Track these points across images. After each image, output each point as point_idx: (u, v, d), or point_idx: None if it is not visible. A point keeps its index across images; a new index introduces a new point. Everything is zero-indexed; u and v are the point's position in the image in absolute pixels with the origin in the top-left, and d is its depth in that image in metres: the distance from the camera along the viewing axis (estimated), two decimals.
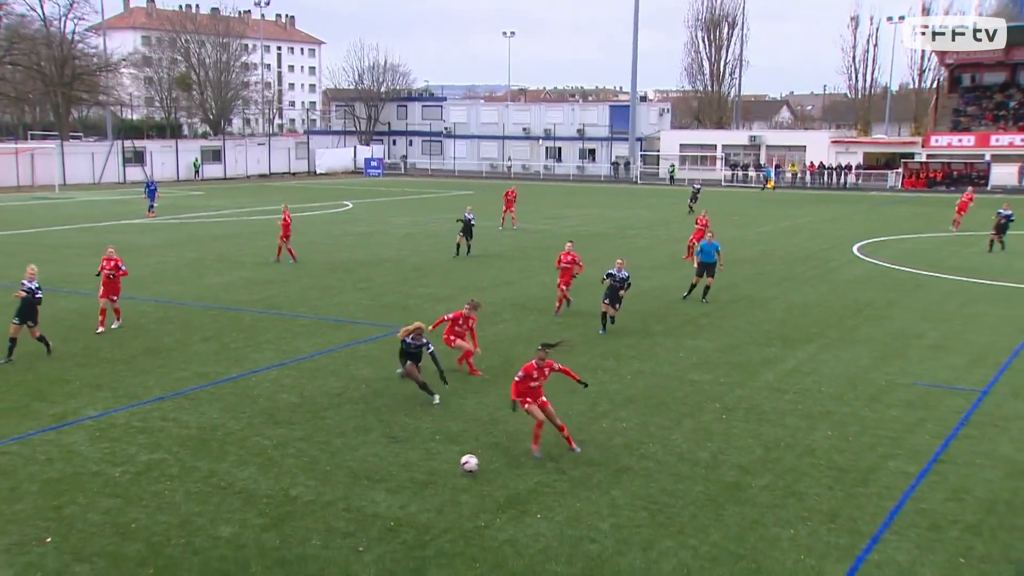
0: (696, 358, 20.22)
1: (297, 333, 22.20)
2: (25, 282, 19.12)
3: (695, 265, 26.95)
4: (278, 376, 18.42)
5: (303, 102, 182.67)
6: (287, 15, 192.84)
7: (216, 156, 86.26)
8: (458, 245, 35.30)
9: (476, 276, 30.75)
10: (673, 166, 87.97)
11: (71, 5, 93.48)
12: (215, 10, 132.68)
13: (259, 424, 15.54)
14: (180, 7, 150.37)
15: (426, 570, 10.72)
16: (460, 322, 18.87)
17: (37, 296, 19.22)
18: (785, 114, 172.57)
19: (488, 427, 15.57)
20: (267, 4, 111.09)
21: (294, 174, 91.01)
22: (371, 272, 31.05)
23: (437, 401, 16.63)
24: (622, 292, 22.44)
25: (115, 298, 22.35)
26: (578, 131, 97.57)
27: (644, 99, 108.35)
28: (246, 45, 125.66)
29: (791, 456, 14.48)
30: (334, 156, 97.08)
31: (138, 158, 79.25)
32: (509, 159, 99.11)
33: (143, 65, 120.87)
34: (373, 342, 21.35)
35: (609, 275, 22.52)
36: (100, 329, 21.91)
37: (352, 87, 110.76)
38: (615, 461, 14.13)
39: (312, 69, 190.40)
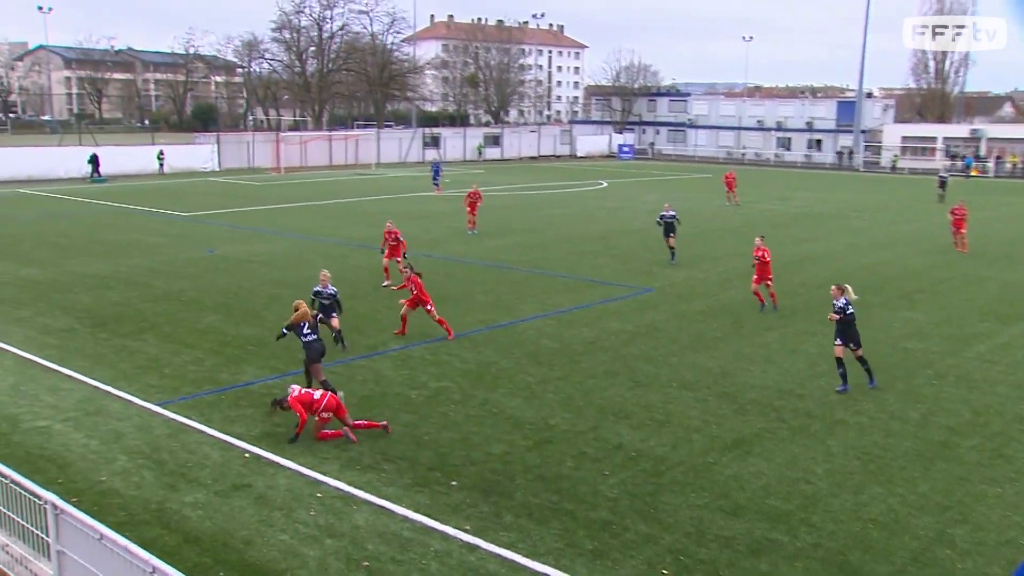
0: (910, 329, 18.82)
1: (557, 290, 22.48)
2: (319, 288, 16.47)
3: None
4: (541, 325, 18.75)
5: (568, 97, 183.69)
6: (557, 24, 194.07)
7: (496, 141, 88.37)
8: (671, 249, 26.59)
9: (713, 247, 29.97)
10: (896, 156, 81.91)
11: (392, 23, 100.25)
12: (500, 21, 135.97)
13: (525, 364, 15.89)
14: (472, 20, 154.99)
15: (661, 494, 10.64)
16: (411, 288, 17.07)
17: (334, 299, 16.58)
18: (1008, 109, 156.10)
19: (718, 378, 15.18)
20: (542, 16, 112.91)
21: (558, 157, 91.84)
22: (621, 241, 30.92)
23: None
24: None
25: (398, 259, 22.15)
26: (807, 124, 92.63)
27: (870, 95, 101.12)
28: (523, 50, 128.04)
29: (1000, 421, 13.23)
30: (592, 142, 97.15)
31: (434, 142, 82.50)
32: (743, 147, 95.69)
33: (441, 67, 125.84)
34: (622, 301, 21.31)
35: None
36: (386, 283, 22.59)
37: (610, 84, 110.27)
38: (831, 415, 13.43)
39: (576, 69, 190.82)
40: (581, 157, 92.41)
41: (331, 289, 16.47)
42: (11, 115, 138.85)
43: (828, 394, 14.32)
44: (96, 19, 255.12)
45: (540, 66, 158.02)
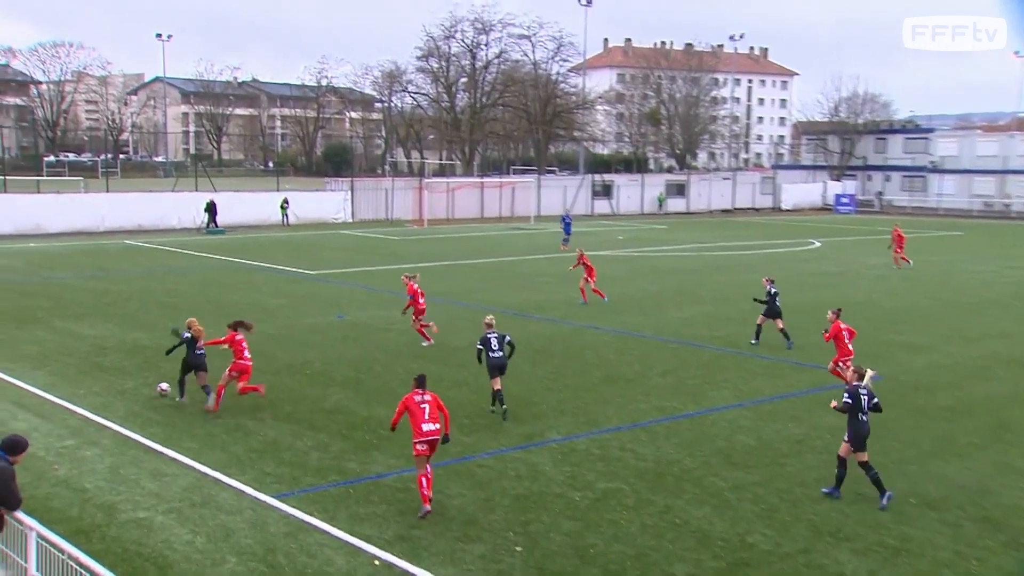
0: None
1: (756, 373, 22.06)
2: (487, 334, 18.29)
3: None
4: (736, 416, 18.41)
5: (771, 135, 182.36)
6: (760, 47, 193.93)
7: (680, 190, 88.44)
8: (758, 328, 25.71)
9: (962, 324, 28.68)
10: None
11: (558, 49, 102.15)
12: (689, 45, 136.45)
13: (715, 464, 15.61)
14: (655, 44, 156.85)
15: None
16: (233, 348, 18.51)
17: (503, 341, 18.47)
18: None
19: (976, 497, 14.33)
20: (741, 37, 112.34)
21: (758, 209, 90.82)
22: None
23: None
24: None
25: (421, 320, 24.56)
26: None
27: None
28: (716, 79, 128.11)
29: None
30: (801, 191, 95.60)
31: (606, 191, 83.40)
32: (1008, 196, 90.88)
33: (616, 102, 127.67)
34: (840, 389, 20.59)
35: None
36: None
37: (825, 119, 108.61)
38: None
39: (783, 101, 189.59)
40: (787, 210, 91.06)
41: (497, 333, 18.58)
42: (122, 155, 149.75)
43: None
44: (218, 46, 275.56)
45: (737, 99, 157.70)
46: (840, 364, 20.15)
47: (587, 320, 28.54)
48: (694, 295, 34.09)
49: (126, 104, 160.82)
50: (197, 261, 38.73)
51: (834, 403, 14.48)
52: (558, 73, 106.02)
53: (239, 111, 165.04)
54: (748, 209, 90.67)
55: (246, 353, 18.42)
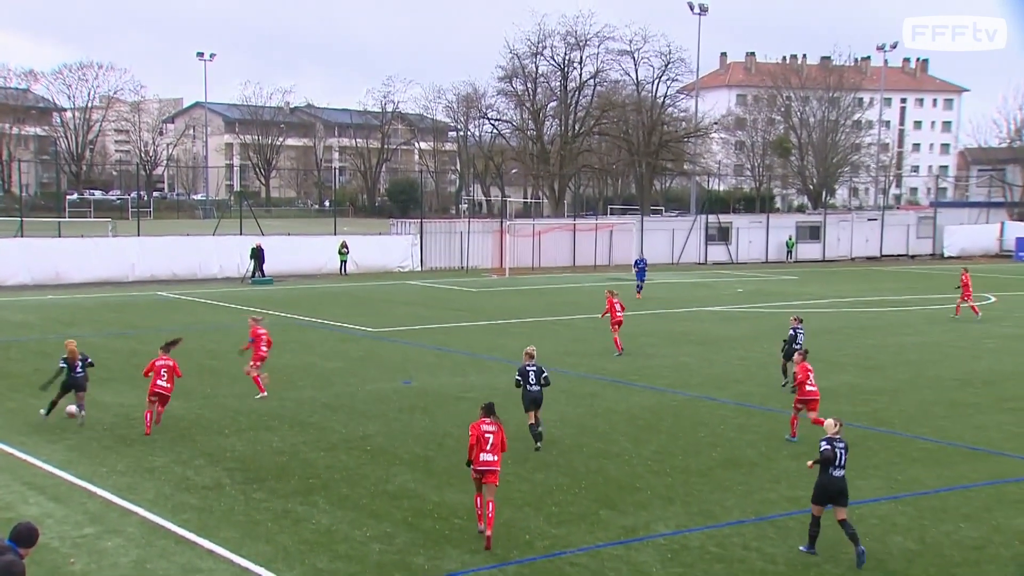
0: None
1: (915, 459, 21.60)
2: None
3: None
4: (889, 512, 18.02)
5: (931, 166, 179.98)
6: (918, 59, 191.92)
7: (814, 234, 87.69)
8: (784, 369, 28.57)
9: None
10: None
11: (666, 67, 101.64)
12: (826, 59, 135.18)
13: (868, 571, 15.25)
14: (784, 59, 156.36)
15: None
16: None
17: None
18: None
19: None
20: (893, 47, 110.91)
21: (912, 256, 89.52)
22: (1022, 388, 29.50)
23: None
24: None
25: None
26: None
27: None
28: (860, 99, 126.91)
29: None
30: (970, 234, 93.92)
31: (722, 235, 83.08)
32: None
33: (735, 128, 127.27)
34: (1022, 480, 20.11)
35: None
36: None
37: (1004, 145, 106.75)
38: None
39: (946, 125, 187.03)
40: (951, 257, 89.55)
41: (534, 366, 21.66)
42: (156, 192, 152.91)
43: None
44: (268, 67, 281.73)
45: (888, 122, 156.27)
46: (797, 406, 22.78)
47: (701, 390, 28.28)
48: (832, 362, 33.55)
49: (161, 133, 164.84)
50: (241, 317, 39.27)
51: (810, 463, 15.96)
52: (666, 95, 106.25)
53: (291, 141, 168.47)
54: (900, 256, 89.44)
55: (159, 381, 22.88)
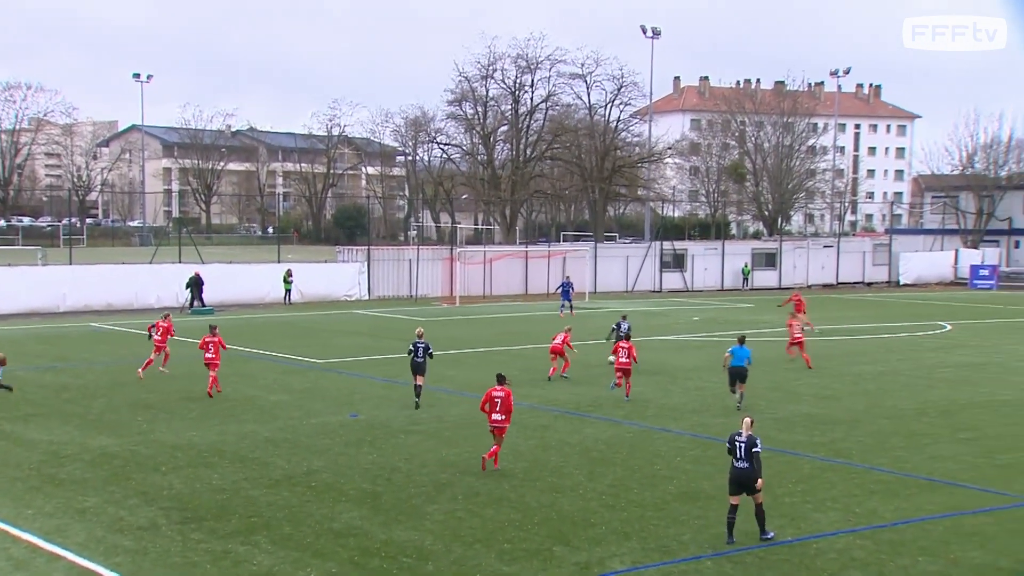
0: None
1: (872, 491, 21.72)
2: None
3: None
4: (847, 546, 18.10)
5: (885, 192, 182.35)
6: (871, 84, 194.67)
7: (770, 260, 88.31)
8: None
9: None
10: None
11: (618, 91, 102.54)
12: (780, 84, 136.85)
13: None
14: (738, 83, 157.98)
15: None
16: None
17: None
18: None
19: None
20: (846, 73, 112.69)
21: (869, 284, 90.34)
22: (979, 418, 29.67)
23: None
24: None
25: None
26: None
27: None
28: (815, 125, 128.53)
29: None
30: (925, 261, 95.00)
31: (677, 262, 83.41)
32: None
33: (689, 153, 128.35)
34: (985, 515, 20.25)
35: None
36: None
37: (956, 172, 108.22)
38: None
39: (900, 151, 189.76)
40: (907, 284, 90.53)
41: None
42: (89, 219, 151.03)
43: None
44: (208, 89, 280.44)
45: (842, 148, 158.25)
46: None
47: (657, 421, 28.33)
48: (790, 392, 33.78)
49: (95, 158, 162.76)
50: (179, 348, 38.92)
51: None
52: (619, 119, 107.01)
53: (232, 166, 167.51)
54: (857, 283, 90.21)
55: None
